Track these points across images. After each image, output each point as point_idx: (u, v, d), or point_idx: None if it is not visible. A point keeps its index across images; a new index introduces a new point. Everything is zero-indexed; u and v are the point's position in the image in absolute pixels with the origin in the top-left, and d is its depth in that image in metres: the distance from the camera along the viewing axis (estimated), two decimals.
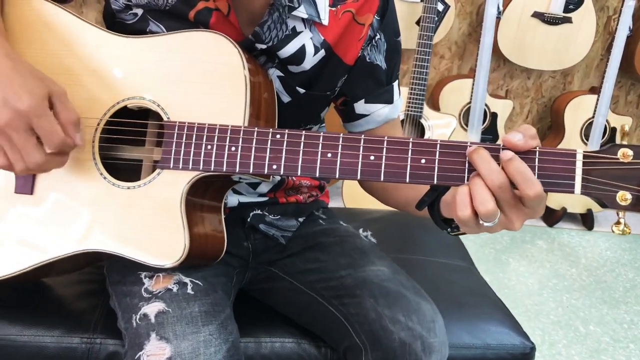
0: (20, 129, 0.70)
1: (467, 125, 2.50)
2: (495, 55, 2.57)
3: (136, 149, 0.87)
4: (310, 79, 0.90)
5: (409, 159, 0.69)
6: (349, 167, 0.71)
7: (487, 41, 2.38)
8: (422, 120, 2.33)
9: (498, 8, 2.36)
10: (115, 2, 0.86)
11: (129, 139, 0.85)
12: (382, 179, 0.70)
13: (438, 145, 0.68)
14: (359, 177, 0.71)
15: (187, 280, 0.81)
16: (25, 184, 0.84)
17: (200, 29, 0.83)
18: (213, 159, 0.77)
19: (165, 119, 0.80)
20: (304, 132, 0.74)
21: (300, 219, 1.03)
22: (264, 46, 0.85)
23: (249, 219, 0.98)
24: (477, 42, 2.66)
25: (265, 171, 0.75)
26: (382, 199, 1.00)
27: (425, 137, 2.37)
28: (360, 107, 0.94)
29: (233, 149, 0.76)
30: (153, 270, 0.82)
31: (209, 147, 0.77)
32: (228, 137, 0.76)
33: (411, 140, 0.69)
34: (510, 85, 2.81)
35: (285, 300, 0.98)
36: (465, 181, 0.67)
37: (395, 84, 0.96)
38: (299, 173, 0.73)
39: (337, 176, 0.72)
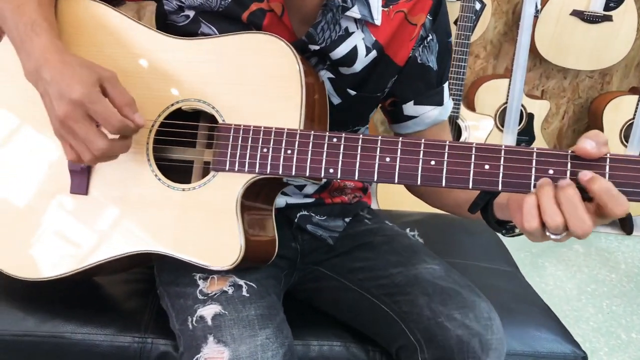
0: (79, 118, 0.71)
1: (502, 126, 2.46)
2: (532, 55, 2.52)
3: (187, 150, 0.87)
4: (361, 81, 0.89)
5: (472, 164, 0.67)
6: (408, 172, 0.70)
7: (524, 40, 2.34)
8: (459, 121, 2.30)
9: (536, 7, 2.31)
10: (168, 3, 0.86)
11: (179, 140, 0.85)
12: (443, 184, 0.68)
13: (503, 151, 0.67)
14: (419, 182, 0.69)
15: (241, 282, 0.81)
16: (80, 184, 0.84)
17: (254, 31, 0.83)
18: (269, 162, 0.76)
19: (220, 121, 0.80)
20: (361, 135, 0.73)
21: (347, 219, 1.03)
22: (317, 47, 0.84)
23: (296, 220, 0.98)
24: (512, 41, 2.62)
25: (322, 174, 0.74)
26: (428, 201, 0.99)
27: (462, 138, 2.34)
28: (410, 108, 0.93)
29: (289, 152, 0.76)
30: (207, 272, 0.82)
31: (265, 150, 0.77)
32: (284, 140, 0.76)
33: (474, 145, 0.68)
34: (546, 85, 2.76)
35: (333, 299, 0.98)
36: (532, 188, 0.65)
37: (446, 85, 0.95)
38: (356, 177, 0.72)
39: (395, 181, 0.71)
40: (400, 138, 0.71)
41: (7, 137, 0.87)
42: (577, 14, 2.40)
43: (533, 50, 2.47)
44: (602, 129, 2.57)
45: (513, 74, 2.38)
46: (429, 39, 0.90)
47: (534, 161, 0.66)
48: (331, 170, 0.74)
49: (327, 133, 0.74)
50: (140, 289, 1.00)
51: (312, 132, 0.75)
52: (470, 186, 0.67)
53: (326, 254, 1.00)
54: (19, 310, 0.90)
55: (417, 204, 1.03)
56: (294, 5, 0.84)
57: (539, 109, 2.53)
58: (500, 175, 0.66)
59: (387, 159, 0.71)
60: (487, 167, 0.67)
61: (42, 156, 0.86)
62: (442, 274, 0.89)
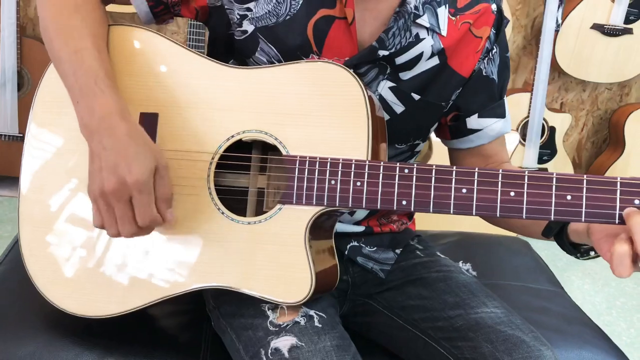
0: (122, 199, 0.72)
1: (524, 140, 2.45)
2: (551, 68, 2.53)
3: (240, 177, 0.86)
4: (423, 84, 0.89)
5: (553, 195, 0.66)
6: (486, 204, 0.69)
7: (545, 55, 2.35)
8: None
9: (557, 21, 2.32)
10: (232, 11, 0.85)
11: (233, 168, 0.84)
12: (524, 216, 0.67)
13: (585, 181, 0.66)
14: (498, 214, 0.68)
15: (312, 312, 0.79)
16: None
17: (314, 59, 0.82)
18: (338, 194, 0.75)
19: (284, 152, 0.79)
20: (434, 166, 0.72)
21: (397, 251, 1.01)
22: (386, 53, 0.84)
23: (346, 252, 0.97)
24: (531, 55, 2.62)
25: (395, 207, 0.73)
26: (489, 220, 0.98)
27: None
28: (473, 121, 0.93)
29: (358, 184, 0.75)
30: (274, 303, 0.81)
31: (333, 182, 0.76)
32: (352, 172, 0.75)
33: (555, 175, 0.67)
34: (566, 97, 2.76)
35: (387, 336, 0.96)
36: (617, 218, 0.64)
37: (506, 99, 0.95)
38: (431, 209, 0.71)
39: (474, 213, 0.70)
40: (477, 168, 0.70)
41: (64, 170, 0.86)
42: (598, 27, 2.41)
43: (553, 63, 2.47)
44: (623, 141, 2.56)
45: (534, 88, 2.38)
46: (493, 51, 0.91)
47: (618, 191, 0.65)
48: (404, 202, 0.73)
49: (398, 164, 0.73)
50: (192, 320, 0.98)
51: (382, 162, 0.74)
52: (552, 217, 0.66)
53: (378, 286, 0.98)
54: (76, 345, 0.88)
55: (444, 221, 1.01)
56: (367, 10, 0.84)
57: (561, 122, 2.52)
58: (584, 205, 0.65)
59: (464, 190, 0.70)
60: (569, 197, 0.66)
61: None
62: (504, 319, 0.86)
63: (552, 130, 2.52)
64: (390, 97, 0.88)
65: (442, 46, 0.88)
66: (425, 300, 0.93)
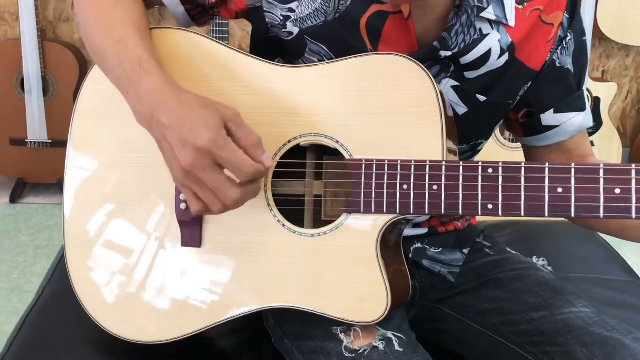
0: (207, 167, 0.63)
1: None
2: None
3: (294, 185, 0.79)
4: (489, 85, 0.80)
5: None
6: (588, 204, 0.61)
7: (587, 22, 2.22)
8: None
9: None
10: (271, 15, 0.78)
11: (287, 175, 0.77)
12: (633, 215, 0.59)
13: None
14: (602, 215, 0.60)
15: (390, 334, 0.72)
16: (193, 236, 0.77)
17: (378, 52, 0.74)
18: (412, 200, 0.68)
19: (347, 156, 0.72)
20: (523, 164, 0.64)
21: (465, 251, 0.93)
22: (448, 53, 0.75)
23: (410, 255, 0.90)
24: None
25: (480, 212, 0.65)
26: (582, 223, 0.89)
27: None
28: (549, 117, 0.84)
29: (435, 187, 0.67)
30: (345, 324, 0.74)
31: (405, 187, 0.68)
32: (427, 175, 0.67)
33: None
34: (607, 65, 2.62)
35: (462, 344, 0.89)
36: None
37: (585, 88, 0.85)
38: (522, 213, 0.63)
39: (572, 215, 0.61)
40: (573, 164, 0.62)
41: (108, 188, 0.80)
42: None
43: (593, 30, 2.34)
44: None
45: None
46: (567, 39, 0.81)
47: None
48: (490, 207, 0.65)
49: (480, 163, 0.66)
50: (249, 340, 0.92)
51: (461, 162, 0.66)
52: None
53: (448, 291, 0.91)
54: None
55: None
56: (425, 5, 0.75)
57: (606, 91, 2.39)
58: None
59: (559, 190, 0.62)
60: None
61: (146, 207, 0.79)
62: (596, 319, 0.78)
63: (597, 101, 2.39)
64: (453, 97, 0.79)
65: (510, 40, 0.78)
66: (503, 302, 0.86)
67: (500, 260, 0.93)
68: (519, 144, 2.30)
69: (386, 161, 0.69)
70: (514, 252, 0.96)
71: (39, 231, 2.15)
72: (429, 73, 0.69)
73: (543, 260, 1.01)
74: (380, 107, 0.71)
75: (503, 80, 0.80)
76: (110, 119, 0.81)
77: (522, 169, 0.64)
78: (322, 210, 0.78)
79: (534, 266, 0.92)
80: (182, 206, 0.76)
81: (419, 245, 0.91)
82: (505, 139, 2.28)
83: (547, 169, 0.63)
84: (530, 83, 0.82)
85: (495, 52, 0.78)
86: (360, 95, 0.72)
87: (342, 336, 0.73)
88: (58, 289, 0.97)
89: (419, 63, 0.70)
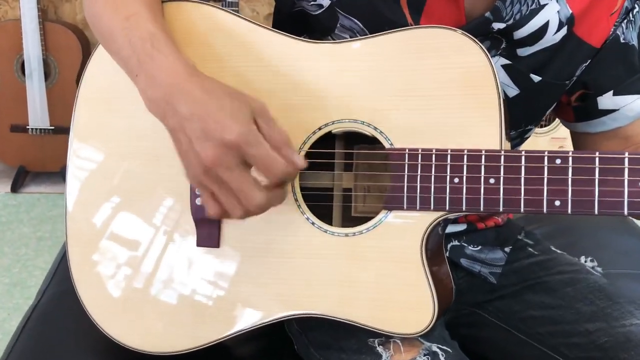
0: (233, 165, 0.55)
1: None
2: None
3: (322, 177, 0.70)
4: (544, 61, 0.71)
5: None
6: None
7: None
8: None
9: None
10: None
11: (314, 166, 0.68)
12: None
13: None
14: None
15: (435, 347, 0.64)
16: (211, 235, 0.68)
17: (423, 26, 0.65)
18: (464, 196, 0.59)
19: (386, 145, 0.63)
20: (597, 153, 0.55)
21: (507, 249, 0.85)
22: (502, 25, 0.66)
23: (447, 254, 0.81)
24: None
25: (545, 209, 0.56)
26: None
27: None
28: (607, 100, 0.74)
29: (492, 181, 0.58)
30: (383, 335, 0.66)
31: (456, 180, 0.59)
32: (483, 166, 0.58)
33: None
34: None
35: (503, 353, 0.81)
36: None
37: None
38: (596, 211, 0.55)
39: None
40: None
41: (117, 180, 0.72)
42: None
43: None
44: None
45: None
46: (635, 11, 0.71)
47: None
48: (558, 203, 0.56)
49: (546, 153, 0.57)
50: (268, 348, 0.84)
51: (523, 152, 0.57)
52: None
53: (487, 293, 0.82)
54: None
55: None
56: None
57: None
58: None
59: None
60: None
61: (157, 202, 0.71)
62: None
63: None
64: (503, 78, 0.70)
65: (570, 12, 0.68)
66: (551, 310, 0.77)
67: (546, 261, 0.84)
68: (543, 129, 2.24)
69: (434, 151, 0.60)
70: (559, 251, 0.88)
71: (41, 222, 2.07)
72: (484, 49, 0.60)
73: (592, 261, 0.92)
74: (426, 88, 0.62)
75: (558, 57, 0.71)
76: (118, 104, 0.72)
77: (597, 159, 0.55)
78: (352, 205, 0.70)
79: (584, 268, 0.84)
80: (198, 201, 0.67)
81: (456, 242, 0.82)
82: None
83: (626, 159, 0.54)
84: (588, 61, 0.72)
85: (553, 25, 0.68)
86: (403, 75, 0.63)
87: (379, 349, 0.65)
88: (60, 290, 0.89)
89: (472, 37, 0.61)
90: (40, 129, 2.16)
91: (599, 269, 0.91)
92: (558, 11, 0.68)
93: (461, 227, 0.82)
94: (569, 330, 0.75)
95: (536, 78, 0.71)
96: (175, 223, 0.70)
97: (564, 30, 0.69)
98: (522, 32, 0.68)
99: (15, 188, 2.24)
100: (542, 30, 0.68)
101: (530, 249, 0.87)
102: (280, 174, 0.56)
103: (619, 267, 1.08)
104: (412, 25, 0.67)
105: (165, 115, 0.58)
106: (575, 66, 0.73)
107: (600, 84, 0.74)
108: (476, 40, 0.61)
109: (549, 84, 0.72)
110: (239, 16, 0.69)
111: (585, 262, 0.92)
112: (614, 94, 0.74)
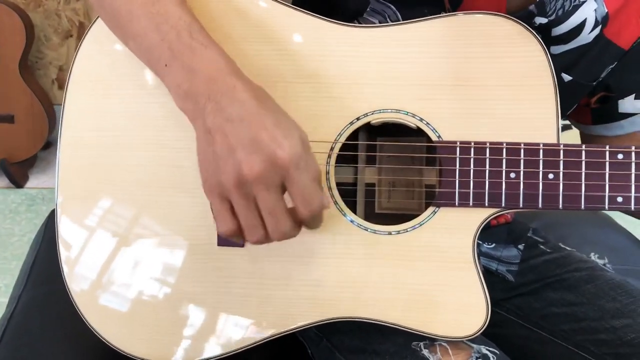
0: (272, 185, 0.50)
1: None
2: None
3: (348, 171, 0.66)
4: (574, 60, 0.69)
5: None
6: None
7: None
8: None
9: None
10: None
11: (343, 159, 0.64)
12: None
13: None
14: None
15: (484, 350, 0.60)
16: None
17: (473, 12, 0.61)
18: (521, 191, 0.56)
19: (434, 138, 0.59)
20: None
21: (520, 247, 0.84)
22: (544, 20, 0.64)
23: None
24: None
25: (606, 206, 0.55)
26: None
27: None
28: (628, 104, 0.73)
29: (551, 176, 0.56)
30: (427, 338, 0.62)
31: (512, 175, 0.56)
32: (541, 161, 0.56)
33: None
34: None
35: (525, 351, 0.79)
36: None
37: None
38: None
39: None
40: None
41: (119, 169, 0.64)
42: None
43: None
44: None
45: None
46: None
47: None
48: (620, 199, 0.54)
49: (608, 147, 0.55)
50: (287, 351, 0.79)
51: (584, 146, 0.55)
52: None
53: (505, 291, 0.81)
54: None
55: None
56: None
57: None
58: None
59: None
60: None
61: (169, 197, 0.64)
62: None
63: None
64: None
65: (606, 10, 0.67)
66: (574, 307, 0.76)
67: (560, 259, 0.83)
68: None
69: (488, 144, 0.57)
70: (569, 248, 0.88)
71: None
72: (539, 39, 0.58)
73: (603, 259, 0.92)
74: (475, 77, 0.59)
75: (587, 58, 0.70)
76: (120, 88, 0.64)
77: None
78: (375, 201, 0.66)
79: (597, 265, 0.83)
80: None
81: None
82: None
83: None
84: (615, 64, 0.72)
85: (589, 24, 0.67)
86: (450, 63, 0.59)
87: (425, 352, 0.61)
88: (38, 293, 0.80)
89: (527, 26, 0.58)
90: None
91: (608, 266, 0.91)
92: (595, 9, 0.67)
93: None
94: (595, 327, 0.74)
95: (567, 77, 0.69)
96: (192, 220, 0.63)
97: (597, 30, 0.68)
98: (560, 29, 0.66)
99: None
100: (579, 28, 0.67)
101: (541, 246, 0.86)
102: (315, 208, 0.51)
103: (617, 263, 1.10)
104: (449, 11, 0.64)
105: (204, 112, 0.51)
106: (602, 67, 0.71)
107: (623, 87, 0.73)
108: (532, 31, 0.58)
109: (577, 84, 0.70)
110: None
111: (596, 259, 0.92)
112: (636, 98, 0.73)
